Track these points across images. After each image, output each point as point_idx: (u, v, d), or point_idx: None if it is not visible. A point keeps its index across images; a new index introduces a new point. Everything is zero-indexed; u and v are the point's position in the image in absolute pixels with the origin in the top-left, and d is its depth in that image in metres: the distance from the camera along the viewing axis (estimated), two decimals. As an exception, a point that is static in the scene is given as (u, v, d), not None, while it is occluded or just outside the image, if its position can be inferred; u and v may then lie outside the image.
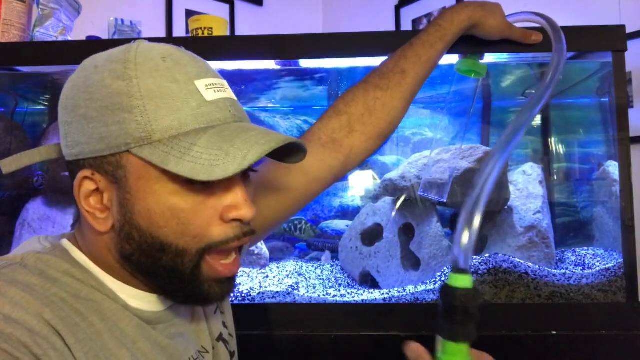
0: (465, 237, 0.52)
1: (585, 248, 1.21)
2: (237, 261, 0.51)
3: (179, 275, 0.48)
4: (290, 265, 1.30)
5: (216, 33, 1.08)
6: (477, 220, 0.52)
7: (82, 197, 0.48)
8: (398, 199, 1.20)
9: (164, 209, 0.46)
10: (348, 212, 1.51)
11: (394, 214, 1.19)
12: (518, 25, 0.86)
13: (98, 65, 0.48)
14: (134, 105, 0.45)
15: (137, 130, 0.45)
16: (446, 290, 0.51)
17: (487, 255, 1.06)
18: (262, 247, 1.26)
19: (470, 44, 0.87)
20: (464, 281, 0.51)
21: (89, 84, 0.47)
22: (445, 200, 1.08)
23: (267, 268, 1.25)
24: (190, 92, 0.47)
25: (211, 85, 0.49)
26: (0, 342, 0.39)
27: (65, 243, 0.51)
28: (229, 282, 0.52)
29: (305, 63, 1.08)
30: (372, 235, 1.26)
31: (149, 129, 0.45)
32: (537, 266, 1.04)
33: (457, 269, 0.51)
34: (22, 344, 0.40)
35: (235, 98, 0.52)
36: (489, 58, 0.99)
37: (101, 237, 0.49)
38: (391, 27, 2.01)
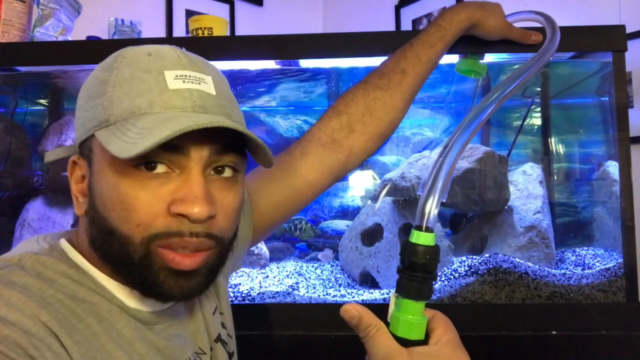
0: (432, 197, 0.52)
1: (585, 248, 1.21)
2: (195, 256, 0.47)
3: (128, 264, 0.46)
4: (290, 265, 1.30)
5: (216, 33, 1.08)
6: (440, 182, 0.54)
7: (74, 182, 0.52)
8: (383, 188, 1.20)
9: (111, 192, 0.46)
10: (348, 212, 1.51)
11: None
12: (518, 24, 0.87)
13: (102, 62, 0.52)
14: (105, 92, 0.48)
15: (100, 114, 0.47)
16: (408, 246, 0.50)
17: (487, 255, 1.06)
18: (262, 247, 1.26)
19: (470, 44, 0.87)
20: (427, 239, 0.50)
21: (89, 78, 0.51)
22: (445, 200, 1.08)
23: (267, 268, 1.25)
24: (157, 80, 0.47)
25: (182, 77, 0.48)
26: None
27: (63, 244, 0.51)
28: (186, 277, 0.47)
29: (305, 63, 1.08)
30: (372, 235, 1.26)
31: (108, 112, 0.47)
32: (537, 266, 1.04)
33: (421, 227, 0.51)
34: (18, 345, 0.39)
35: (215, 93, 0.49)
36: (489, 58, 0.99)
37: (82, 223, 0.51)
38: (391, 27, 2.01)
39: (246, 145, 0.51)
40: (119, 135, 0.45)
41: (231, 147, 0.49)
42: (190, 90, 0.48)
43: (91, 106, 0.48)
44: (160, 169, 0.46)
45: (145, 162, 0.46)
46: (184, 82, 0.48)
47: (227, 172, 0.50)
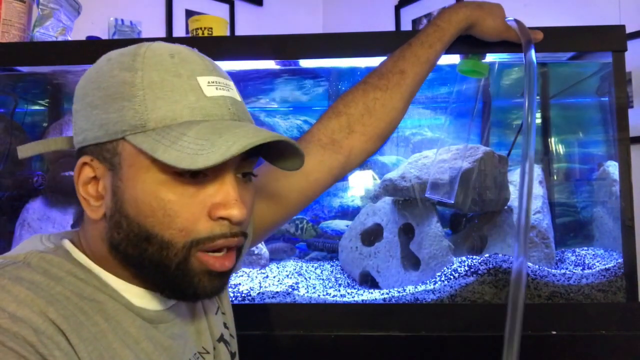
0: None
1: (585, 248, 1.21)
2: (231, 257, 0.50)
3: (164, 268, 0.47)
4: (290, 265, 1.31)
5: (216, 33, 1.08)
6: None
7: (81, 183, 0.50)
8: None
9: (150, 199, 0.46)
10: (348, 212, 1.51)
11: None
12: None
13: (111, 58, 0.50)
14: (135, 94, 0.46)
15: (133, 118, 0.46)
16: None
17: (487, 255, 1.06)
18: (262, 247, 1.26)
19: (470, 44, 0.87)
20: None
21: (99, 74, 0.50)
22: (453, 202, 1.08)
23: (267, 268, 1.25)
24: (192, 86, 0.48)
25: (214, 83, 0.49)
26: (7, 340, 0.39)
27: (67, 244, 0.51)
28: (220, 277, 0.50)
29: (305, 63, 1.08)
30: (372, 235, 1.26)
31: (144, 117, 0.46)
32: (537, 266, 1.04)
33: None
34: (28, 342, 0.40)
35: (240, 99, 0.52)
36: (490, 58, 0.99)
37: (95, 226, 0.50)
38: (391, 27, 2.01)
39: (266, 151, 0.53)
40: (166, 144, 0.44)
41: (253, 152, 0.51)
42: (224, 97, 0.49)
43: (116, 108, 0.47)
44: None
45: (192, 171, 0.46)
46: (216, 89, 0.49)
47: (246, 174, 0.52)
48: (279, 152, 0.53)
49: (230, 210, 0.47)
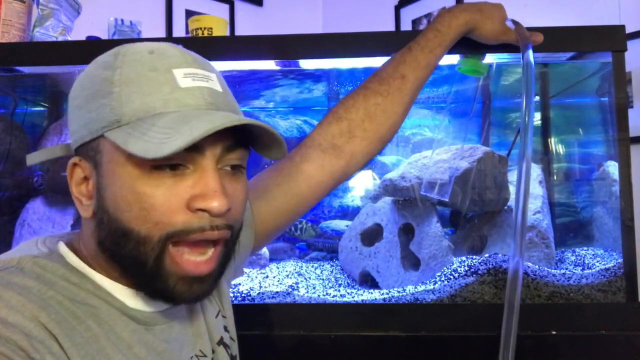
0: None
1: (585, 248, 1.21)
2: (210, 262, 0.49)
3: (141, 265, 0.47)
4: (290, 265, 1.31)
5: (216, 33, 1.08)
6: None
7: (74, 184, 0.51)
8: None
9: (127, 193, 0.46)
10: (348, 212, 1.51)
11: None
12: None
13: (96, 60, 0.51)
14: (112, 91, 0.47)
15: (110, 114, 0.47)
16: None
17: (487, 255, 1.06)
18: (262, 247, 1.26)
19: (470, 44, 0.87)
20: None
21: (85, 76, 0.51)
22: (447, 199, 1.08)
23: (267, 268, 1.25)
24: (167, 79, 0.47)
25: (191, 74, 0.49)
26: None
27: (62, 248, 0.51)
28: (199, 282, 0.48)
29: (305, 63, 1.08)
30: (372, 235, 1.26)
31: (119, 112, 0.46)
32: (537, 266, 1.04)
33: None
34: (19, 347, 0.40)
35: (222, 90, 0.51)
36: (489, 58, 0.99)
37: (88, 225, 0.51)
38: (391, 27, 2.01)
39: (252, 141, 0.52)
40: (137, 136, 0.45)
41: (238, 143, 0.50)
42: (200, 88, 0.48)
43: (96, 107, 0.48)
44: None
45: (169, 163, 0.46)
46: (193, 80, 0.48)
47: (235, 166, 0.51)
48: (263, 143, 0.52)
49: (209, 202, 0.46)
